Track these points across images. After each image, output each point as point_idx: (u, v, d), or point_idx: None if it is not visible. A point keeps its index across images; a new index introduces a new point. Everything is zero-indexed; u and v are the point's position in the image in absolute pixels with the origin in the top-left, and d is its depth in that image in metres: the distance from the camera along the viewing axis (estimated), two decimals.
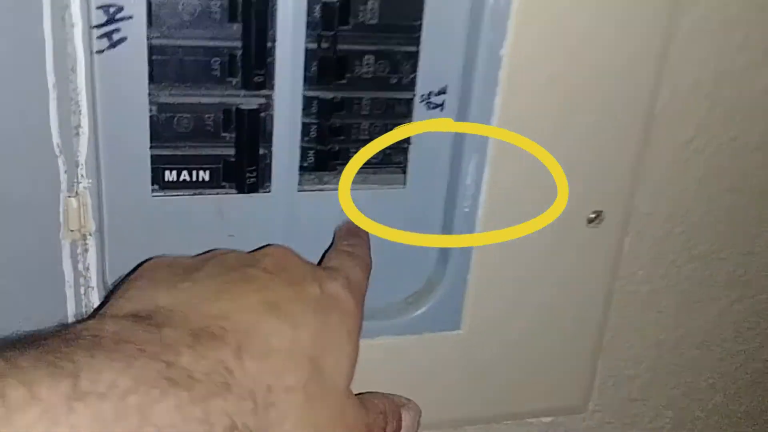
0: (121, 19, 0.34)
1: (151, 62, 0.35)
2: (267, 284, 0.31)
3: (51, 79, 0.33)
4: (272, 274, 0.32)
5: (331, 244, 0.40)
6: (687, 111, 0.44)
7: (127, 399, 0.23)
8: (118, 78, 0.35)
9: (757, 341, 0.53)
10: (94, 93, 0.34)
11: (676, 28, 0.41)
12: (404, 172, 0.41)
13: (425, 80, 0.39)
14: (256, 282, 0.31)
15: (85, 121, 0.34)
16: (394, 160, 0.41)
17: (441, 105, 0.40)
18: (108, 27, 0.34)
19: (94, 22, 0.33)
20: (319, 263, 0.37)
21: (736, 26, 0.42)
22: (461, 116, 0.40)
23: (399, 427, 0.37)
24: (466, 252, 0.43)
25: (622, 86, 0.41)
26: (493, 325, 0.45)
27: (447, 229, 0.42)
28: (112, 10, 0.34)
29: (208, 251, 0.36)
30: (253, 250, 0.35)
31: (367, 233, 0.41)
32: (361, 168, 0.40)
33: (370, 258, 0.39)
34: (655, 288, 0.49)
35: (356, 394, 0.33)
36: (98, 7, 0.33)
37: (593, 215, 0.44)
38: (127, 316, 0.28)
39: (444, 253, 0.43)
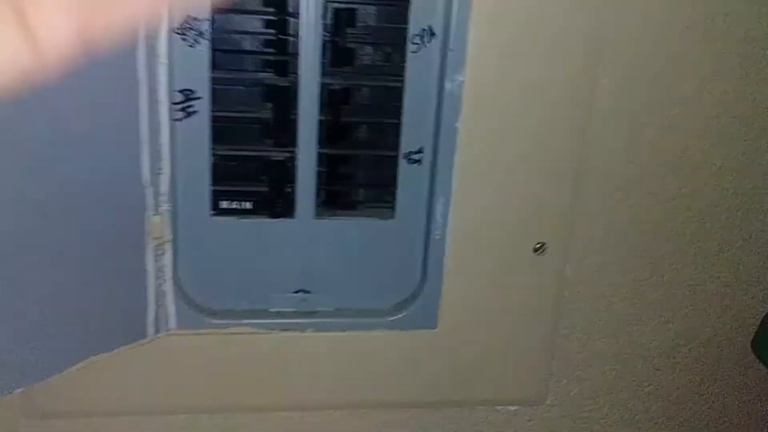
0: (194, 99, 0.51)
1: (213, 127, 0.52)
2: None
3: (144, 137, 0.49)
4: None
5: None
6: (609, 168, 0.57)
7: None
8: (190, 137, 0.52)
9: (692, 356, 0.65)
10: (173, 146, 0.51)
11: (596, 95, 0.55)
12: (393, 208, 0.56)
13: (406, 143, 0.55)
14: None
15: (166, 165, 0.51)
16: (384, 199, 0.56)
17: (419, 161, 0.55)
18: (184, 104, 0.51)
19: (175, 101, 0.50)
20: None
21: (654, 85, 0.56)
22: (433, 168, 0.55)
23: None
24: (440, 272, 0.57)
25: (553, 146, 0.55)
26: (463, 326, 0.59)
27: (425, 252, 0.57)
28: (187, 93, 0.51)
29: None
30: None
31: None
32: (360, 204, 0.56)
33: None
34: (597, 306, 0.61)
35: None
36: (178, 91, 0.50)
37: (538, 245, 0.57)
38: None
39: (424, 271, 0.58)
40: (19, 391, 0.48)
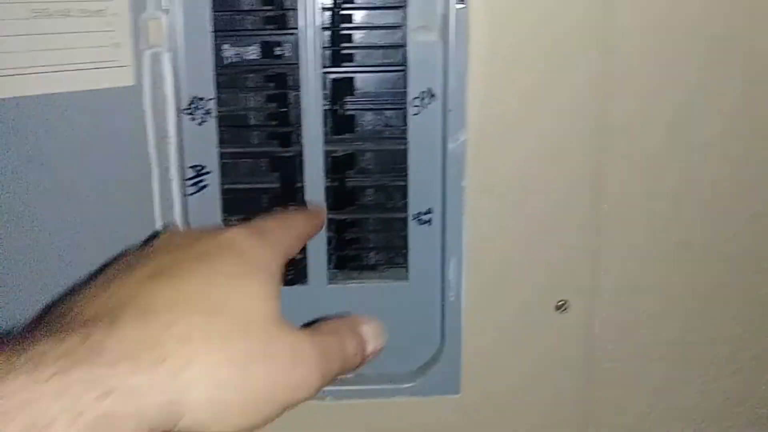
0: (205, 173, 0.53)
1: (223, 200, 0.54)
2: (147, 261, 0.32)
3: (157, 212, 0.52)
4: (154, 251, 0.33)
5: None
6: (630, 220, 0.55)
7: None
8: (202, 210, 0.54)
9: (743, 419, 0.60)
10: (186, 221, 0.53)
11: (610, 141, 0.54)
12: (406, 270, 0.56)
13: (415, 204, 0.55)
14: (143, 260, 0.32)
15: None
16: (396, 261, 0.56)
17: (429, 221, 0.55)
18: (196, 179, 0.53)
19: (187, 176, 0.53)
20: None
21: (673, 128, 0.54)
22: (443, 227, 0.54)
23: (361, 341, 0.35)
24: (458, 334, 0.56)
25: (568, 199, 0.54)
26: (487, 390, 0.57)
27: (442, 314, 0.56)
28: (198, 168, 0.53)
29: None
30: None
31: (304, 214, 0.44)
32: (372, 267, 0.56)
33: (299, 223, 0.41)
34: (631, 366, 0.58)
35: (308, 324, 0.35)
36: (190, 167, 0.53)
37: (560, 303, 0.55)
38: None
39: (443, 334, 0.57)
40: None
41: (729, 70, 0.53)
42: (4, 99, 0.46)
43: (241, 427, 0.29)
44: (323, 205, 0.54)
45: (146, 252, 0.33)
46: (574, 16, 0.51)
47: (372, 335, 0.36)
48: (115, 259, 0.34)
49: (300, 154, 0.53)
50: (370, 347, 0.36)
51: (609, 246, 0.55)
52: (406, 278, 0.56)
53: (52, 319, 0.28)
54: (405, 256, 0.56)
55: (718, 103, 0.53)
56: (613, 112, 0.52)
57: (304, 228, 0.41)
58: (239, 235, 0.34)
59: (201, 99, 0.52)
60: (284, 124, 0.53)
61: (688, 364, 0.58)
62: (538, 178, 0.53)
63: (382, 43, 0.52)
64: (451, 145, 0.52)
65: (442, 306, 0.56)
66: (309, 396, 0.32)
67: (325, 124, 0.53)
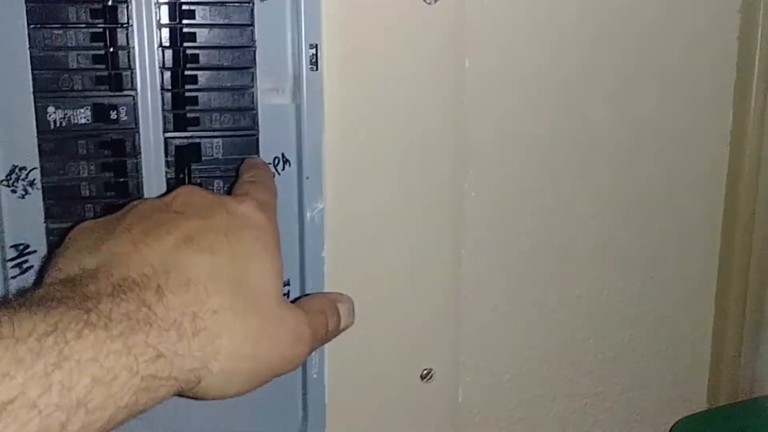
0: (29, 253, 0.46)
1: None
2: (179, 223, 0.34)
3: None
4: (182, 213, 0.35)
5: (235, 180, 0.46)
6: (488, 286, 0.54)
7: (44, 340, 0.25)
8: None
9: None
10: None
11: (464, 206, 0.53)
12: None
13: None
14: (169, 223, 0.34)
15: None
16: None
17: (286, 293, 0.51)
18: (18, 260, 0.46)
19: (8, 257, 0.46)
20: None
21: (526, 195, 0.54)
22: None
23: (338, 320, 0.41)
24: (322, 412, 0.52)
25: (427, 271, 0.52)
26: None
27: (304, 392, 0.52)
28: (21, 247, 0.46)
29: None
30: (164, 194, 0.41)
31: (266, 165, 0.47)
32: None
33: (274, 183, 0.44)
34: (494, 428, 0.57)
35: (293, 301, 0.39)
36: (11, 246, 0.46)
37: (425, 372, 0.54)
38: (54, 282, 0.31)
39: (305, 412, 0.53)
40: None
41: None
42: None
43: (238, 393, 0.33)
44: None
45: (171, 207, 0.36)
46: (424, 81, 0.49)
47: (346, 314, 0.42)
48: (130, 205, 0.37)
49: None
50: (343, 324, 0.42)
51: (470, 309, 0.54)
52: None
53: (88, 270, 0.31)
54: None
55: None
56: (470, 171, 0.52)
57: (273, 185, 0.44)
58: (251, 210, 0.37)
59: (23, 168, 0.46)
60: (123, 195, 0.47)
61: (548, 422, 0.58)
62: (399, 247, 0.51)
63: (230, 105, 0.48)
64: (308, 214, 0.49)
65: (304, 384, 0.52)
66: (296, 368, 0.36)
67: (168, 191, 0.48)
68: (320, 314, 0.39)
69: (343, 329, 0.42)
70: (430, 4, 0.47)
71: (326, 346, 0.51)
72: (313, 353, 0.51)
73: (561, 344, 0.57)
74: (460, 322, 0.54)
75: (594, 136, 0.54)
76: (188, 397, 0.32)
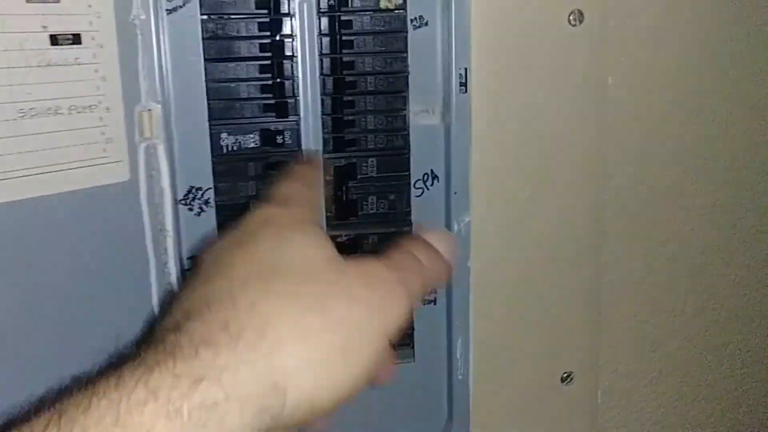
0: None
1: None
2: (294, 276, 0.30)
3: (156, 307, 0.50)
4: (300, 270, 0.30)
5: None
6: (629, 290, 0.56)
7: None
8: None
9: None
10: None
11: (607, 215, 0.54)
12: (413, 350, 0.55)
13: None
14: (283, 274, 0.30)
15: None
16: (402, 341, 0.55)
17: (433, 301, 0.54)
18: None
19: (186, 268, 0.51)
20: None
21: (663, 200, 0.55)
22: (449, 307, 0.54)
23: (434, 254, 0.35)
24: (466, 413, 0.55)
25: (570, 275, 0.54)
26: None
27: (449, 392, 0.56)
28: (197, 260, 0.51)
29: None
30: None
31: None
32: None
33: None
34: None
35: None
36: (188, 258, 0.51)
37: (565, 375, 0.56)
38: (162, 329, 0.28)
39: (450, 413, 0.56)
40: None
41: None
42: None
43: (346, 382, 0.28)
44: None
45: (283, 256, 0.31)
46: (570, 97, 0.51)
47: (444, 244, 0.36)
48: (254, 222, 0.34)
49: None
50: (447, 255, 0.35)
51: (609, 315, 0.56)
52: (412, 358, 0.55)
53: (184, 317, 0.28)
54: (411, 336, 0.55)
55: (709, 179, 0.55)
56: (612, 182, 0.53)
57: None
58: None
59: (198, 189, 0.50)
60: None
61: (686, 427, 0.60)
62: (541, 256, 0.54)
63: (384, 127, 0.51)
64: (456, 226, 0.52)
65: (449, 385, 0.55)
66: (403, 321, 0.30)
67: (329, 210, 0.52)
68: (403, 257, 0.33)
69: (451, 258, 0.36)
70: (574, 25, 0.49)
71: (470, 348, 0.54)
72: (458, 354, 0.54)
73: (699, 350, 0.58)
74: (599, 328, 0.55)
75: (736, 147, 0.54)
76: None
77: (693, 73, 0.52)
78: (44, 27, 0.44)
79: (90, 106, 0.46)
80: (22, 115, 0.44)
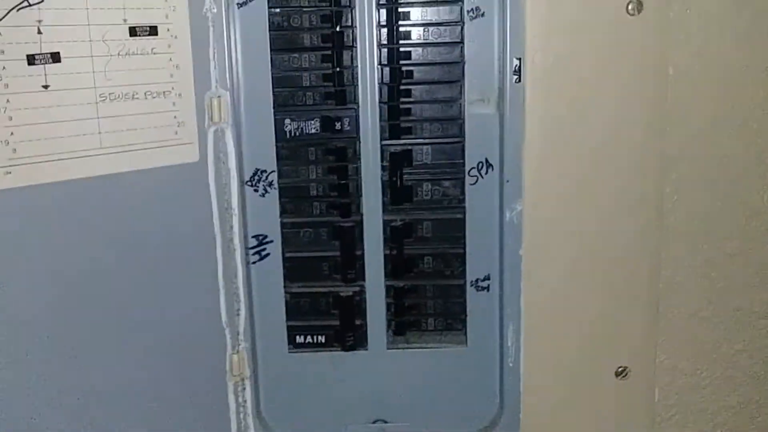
0: (267, 242, 0.54)
1: (285, 267, 0.55)
2: None
3: (221, 281, 0.53)
4: None
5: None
6: (688, 287, 0.54)
7: None
8: (264, 278, 0.55)
9: None
10: (249, 289, 0.54)
11: (668, 210, 0.53)
12: (465, 336, 0.56)
13: (473, 270, 0.55)
14: None
15: (242, 307, 0.54)
16: (455, 326, 0.56)
17: (487, 288, 0.55)
18: (258, 248, 0.54)
19: (249, 246, 0.54)
20: None
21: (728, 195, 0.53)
22: (501, 294, 0.55)
23: None
24: (517, 400, 0.56)
25: (628, 267, 0.53)
26: None
27: (501, 379, 0.56)
28: (261, 237, 0.54)
29: None
30: None
31: None
32: (431, 333, 0.56)
33: None
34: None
35: None
36: (252, 237, 0.54)
37: (620, 369, 0.55)
38: None
39: (501, 399, 0.57)
40: None
41: None
42: (73, 180, 0.48)
43: None
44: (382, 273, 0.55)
45: None
46: (628, 87, 0.50)
47: None
48: None
49: (360, 224, 0.54)
50: None
51: (668, 312, 0.55)
52: (464, 343, 0.57)
53: None
54: (464, 321, 0.56)
55: None
56: (672, 175, 0.52)
57: None
58: None
59: (263, 171, 0.53)
60: (344, 195, 0.54)
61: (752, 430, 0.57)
62: (595, 246, 0.53)
63: (440, 115, 0.53)
64: (508, 214, 0.53)
65: (501, 371, 0.56)
66: None
67: (384, 195, 0.54)
68: None
69: None
70: (633, 15, 0.48)
71: (522, 336, 0.54)
72: (510, 341, 0.55)
73: (766, 351, 0.56)
74: (657, 324, 0.54)
75: None
76: None
77: (757, 63, 0.50)
78: (124, 20, 0.48)
79: (164, 92, 0.51)
80: (103, 99, 0.49)
